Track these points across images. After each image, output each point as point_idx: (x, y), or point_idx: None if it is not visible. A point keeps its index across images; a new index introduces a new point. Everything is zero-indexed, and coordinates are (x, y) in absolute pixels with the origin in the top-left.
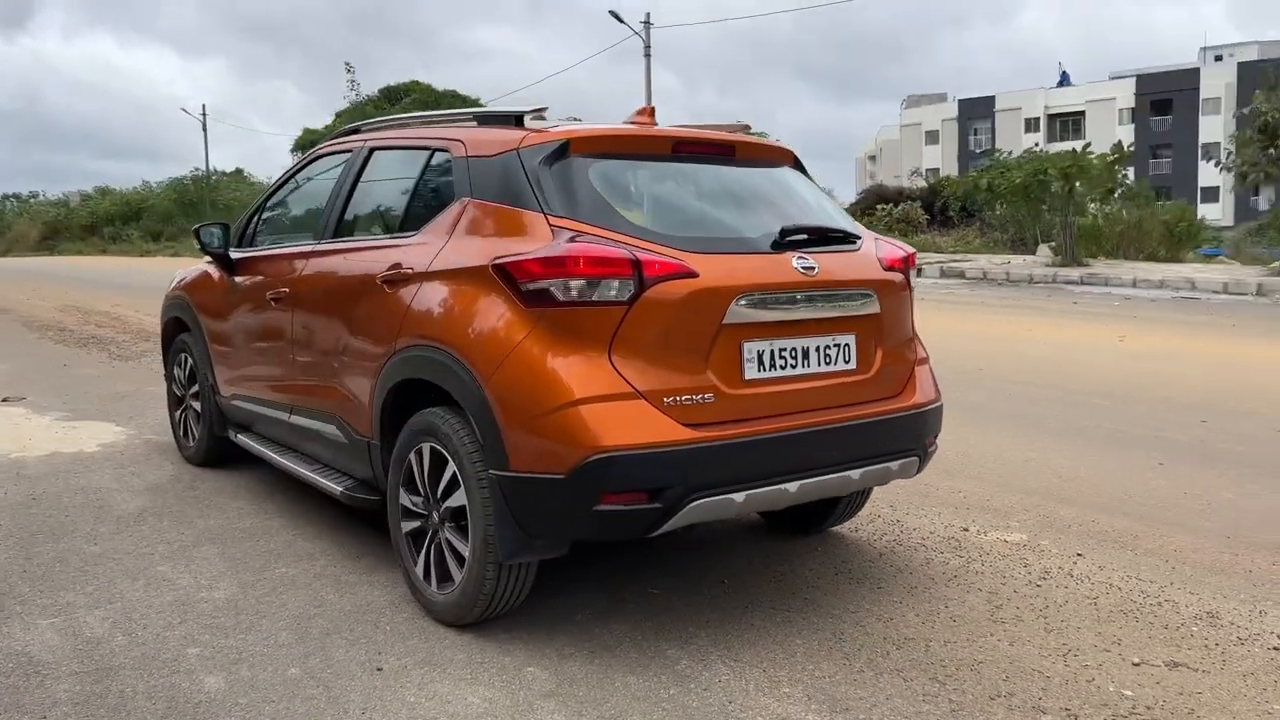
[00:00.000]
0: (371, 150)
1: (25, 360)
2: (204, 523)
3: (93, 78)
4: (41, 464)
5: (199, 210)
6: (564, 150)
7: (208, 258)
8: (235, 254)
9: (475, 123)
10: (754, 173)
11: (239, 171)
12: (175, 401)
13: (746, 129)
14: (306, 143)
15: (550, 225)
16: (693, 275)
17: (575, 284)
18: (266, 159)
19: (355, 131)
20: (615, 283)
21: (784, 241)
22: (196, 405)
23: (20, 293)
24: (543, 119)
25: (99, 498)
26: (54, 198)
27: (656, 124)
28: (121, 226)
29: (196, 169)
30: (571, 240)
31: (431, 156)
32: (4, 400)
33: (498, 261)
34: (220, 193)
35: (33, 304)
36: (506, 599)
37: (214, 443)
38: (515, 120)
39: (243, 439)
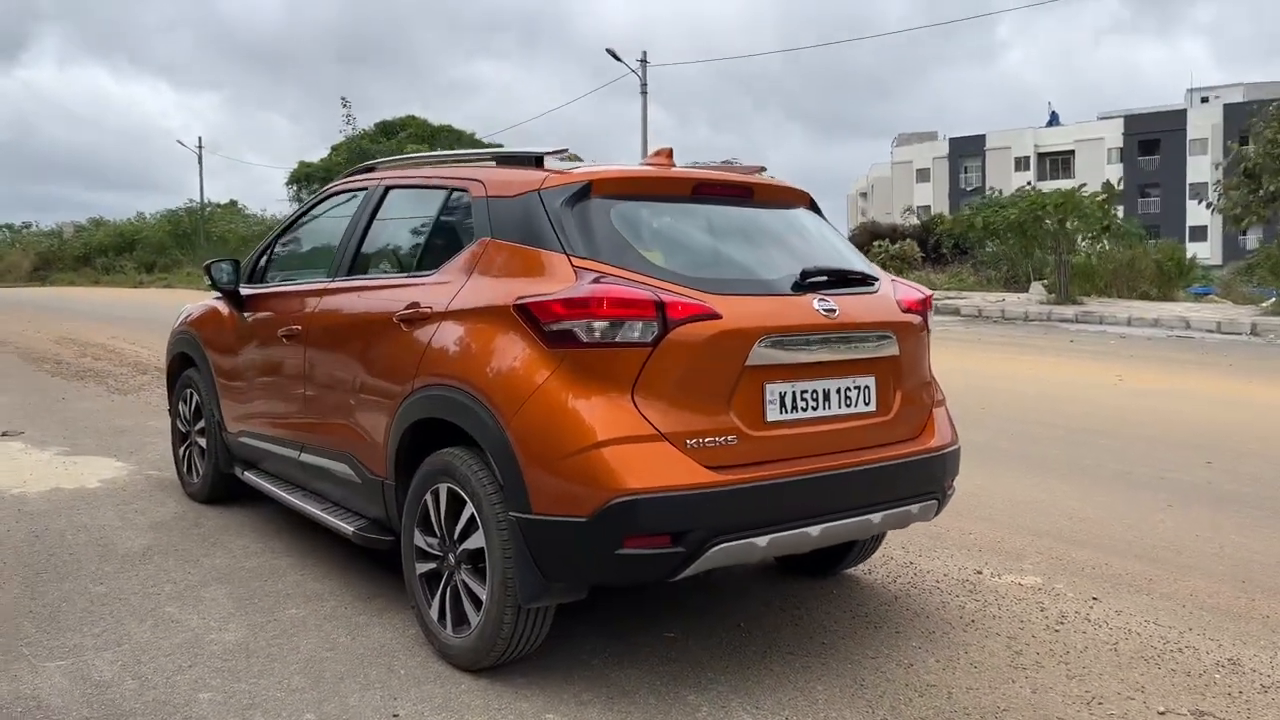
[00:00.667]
0: (387, 189)
1: (23, 393)
2: (210, 561)
3: (86, 110)
4: (43, 500)
5: (193, 242)
6: (586, 191)
7: (215, 293)
8: (246, 290)
9: (494, 163)
10: (772, 214)
11: (233, 203)
12: (180, 438)
13: (762, 170)
14: (301, 176)
15: (573, 266)
16: (716, 317)
17: (599, 325)
18: (261, 191)
19: (370, 170)
20: (639, 324)
21: (804, 283)
22: (202, 442)
23: (15, 324)
24: (563, 160)
25: (103, 535)
26: (47, 228)
27: (675, 165)
28: (115, 257)
29: (191, 200)
30: (595, 281)
31: (450, 196)
32: (3, 434)
33: (520, 301)
34: (215, 224)
35: (28, 335)
36: (524, 643)
37: (219, 479)
38: (535, 161)
39: (249, 476)
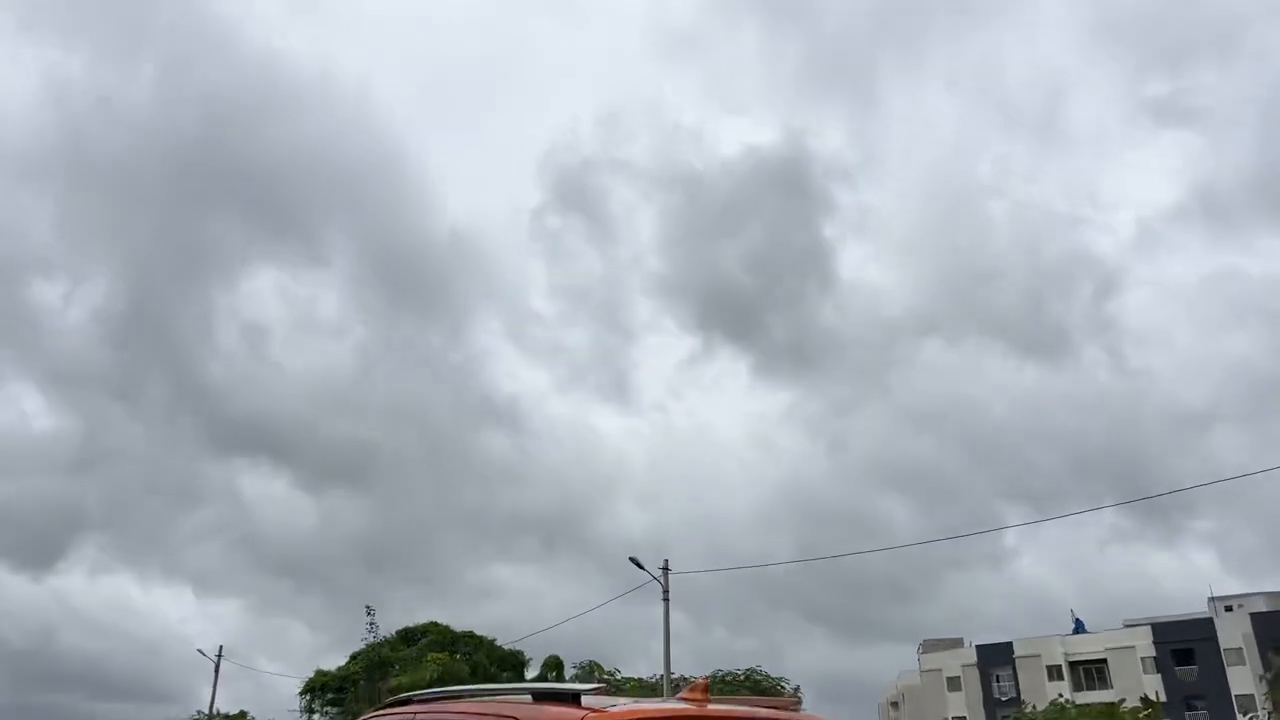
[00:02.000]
0: None
1: None
2: None
3: (108, 617)
4: None
5: None
6: None
7: None
8: None
9: (531, 699)
10: None
11: (243, 714)
12: None
13: (798, 703)
14: (317, 685)
15: None
16: None
17: None
18: (271, 699)
19: (405, 703)
20: None
21: None
22: None
23: None
24: (600, 694)
25: None
26: None
27: (709, 701)
28: None
29: (200, 712)
30: None
31: None
32: None
33: None
34: None
35: None
36: None
37: None
38: (573, 698)
39: None
